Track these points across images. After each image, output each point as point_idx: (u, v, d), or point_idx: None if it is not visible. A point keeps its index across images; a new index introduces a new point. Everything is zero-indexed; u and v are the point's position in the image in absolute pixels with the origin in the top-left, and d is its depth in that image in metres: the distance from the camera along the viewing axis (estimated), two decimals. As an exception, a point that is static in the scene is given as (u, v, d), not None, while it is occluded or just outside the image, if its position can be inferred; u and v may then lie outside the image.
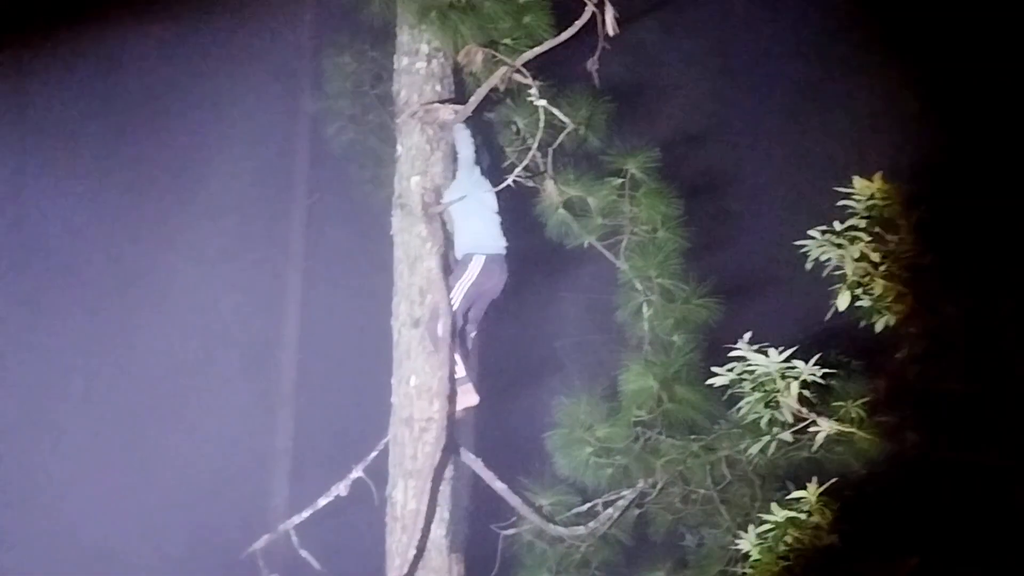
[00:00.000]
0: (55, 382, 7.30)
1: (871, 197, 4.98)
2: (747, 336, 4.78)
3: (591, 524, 5.66)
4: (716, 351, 5.13)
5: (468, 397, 5.52)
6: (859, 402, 4.88)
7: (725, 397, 4.97)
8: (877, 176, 4.94)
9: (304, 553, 5.73)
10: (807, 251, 4.96)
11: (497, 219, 5.59)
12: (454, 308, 5.48)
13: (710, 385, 4.94)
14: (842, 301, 4.86)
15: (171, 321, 7.52)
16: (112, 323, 7.40)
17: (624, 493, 5.64)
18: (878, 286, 4.87)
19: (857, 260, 4.88)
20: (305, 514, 5.77)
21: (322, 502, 5.74)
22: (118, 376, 7.36)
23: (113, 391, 7.35)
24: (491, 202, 5.58)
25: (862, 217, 4.94)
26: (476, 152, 5.61)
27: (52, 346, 7.32)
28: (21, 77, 7.15)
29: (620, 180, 5.83)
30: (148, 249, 7.56)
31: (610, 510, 5.65)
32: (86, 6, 6.89)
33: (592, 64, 5.47)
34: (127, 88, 7.55)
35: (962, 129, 5.60)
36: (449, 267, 5.61)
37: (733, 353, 4.80)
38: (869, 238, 4.90)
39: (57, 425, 7.28)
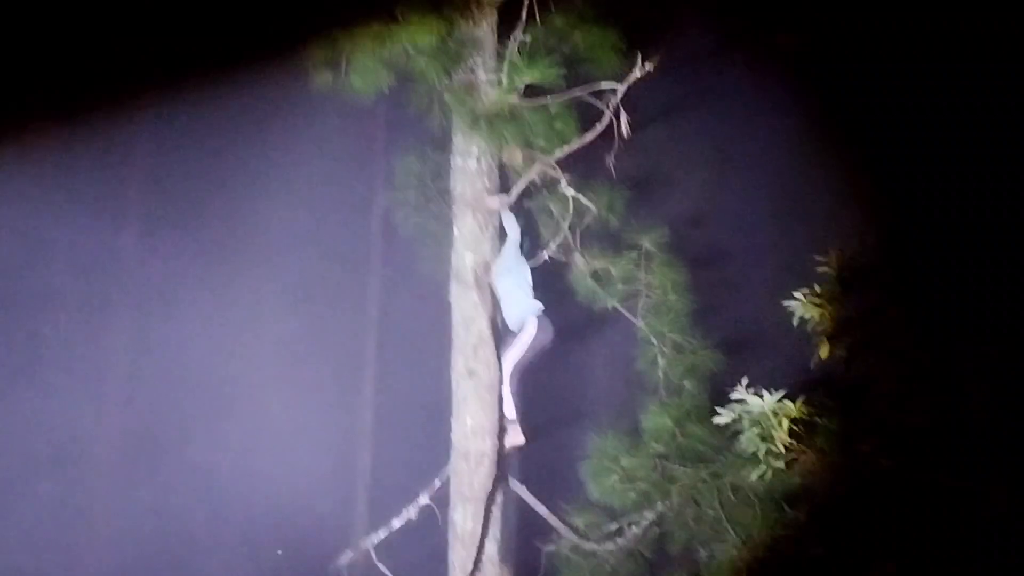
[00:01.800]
0: (158, 403, 7.18)
1: (844, 265, 5.06)
2: (744, 381, 4.81)
3: (619, 540, 5.63)
4: (719, 394, 5.15)
5: (516, 437, 5.57)
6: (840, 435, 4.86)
7: (729, 434, 5.01)
8: (849, 248, 5.03)
9: (381, 567, 5.71)
10: (793, 311, 5.04)
11: (531, 289, 5.67)
12: (514, 364, 5.55)
13: (715, 423, 4.98)
14: (823, 351, 4.91)
15: (263, 360, 7.37)
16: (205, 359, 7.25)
17: (646, 514, 5.60)
18: (851, 338, 4.92)
19: (833, 318, 4.94)
20: (382, 533, 5.77)
21: (396, 523, 5.74)
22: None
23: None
24: (528, 275, 5.70)
25: (836, 282, 5.01)
26: (520, 234, 5.72)
27: (154, 368, 7.21)
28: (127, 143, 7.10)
29: (636, 253, 5.88)
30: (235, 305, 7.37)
31: (634, 528, 5.62)
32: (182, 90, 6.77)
33: (610, 160, 5.55)
34: (219, 167, 7.39)
35: (920, 203, 5.64)
36: (498, 328, 5.68)
37: (733, 396, 4.84)
38: (843, 298, 4.96)
39: (149, 440, 7.16)
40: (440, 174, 6.29)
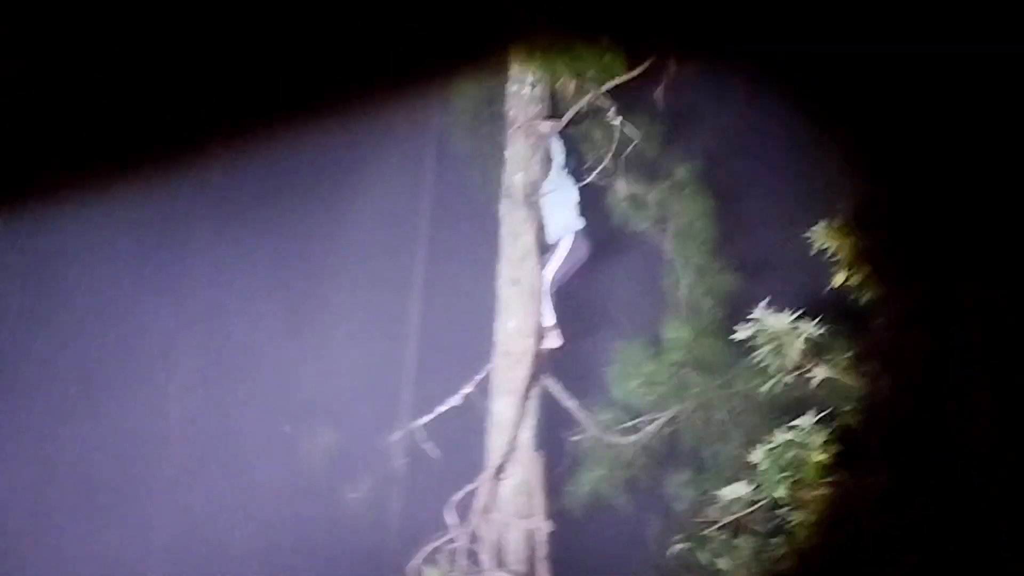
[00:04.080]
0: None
1: (863, 202, 4.94)
2: (764, 302, 4.76)
3: (636, 436, 5.65)
4: (736, 313, 5.09)
5: (553, 340, 5.55)
6: (847, 355, 4.81)
7: (743, 348, 4.96)
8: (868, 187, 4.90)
9: (426, 445, 5.75)
10: (811, 240, 4.93)
11: (577, 208, 5.60)
12: (552, 276, 5.50)
13: (731, 338, 4.92)
14: (838, 279, 4.82)
15: (328, 273, 7.32)
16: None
17: (662, 415, 5.61)
18: (864, 269, 4.82)
19: (849, 248, 4.84)
20: (428, 417, 5.78)
21: (441, 409, 5.76)
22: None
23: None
24: (575, 195, 5.60)
25: (854, 216, 4.89)
26: (565, 157, 5.62)
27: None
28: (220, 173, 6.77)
29: (670, 182, 5.81)
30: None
31: (650, 426, 5.63)
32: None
33: (657, 94, 5.44)
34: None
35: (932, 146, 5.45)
36: (542, 242, 5.61)
37: (752, 315, 4.78)
38: (859, 232, 4.85)
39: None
40: (492, 100, 6.18)
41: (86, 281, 6.38)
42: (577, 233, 5.55)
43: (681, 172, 5.79)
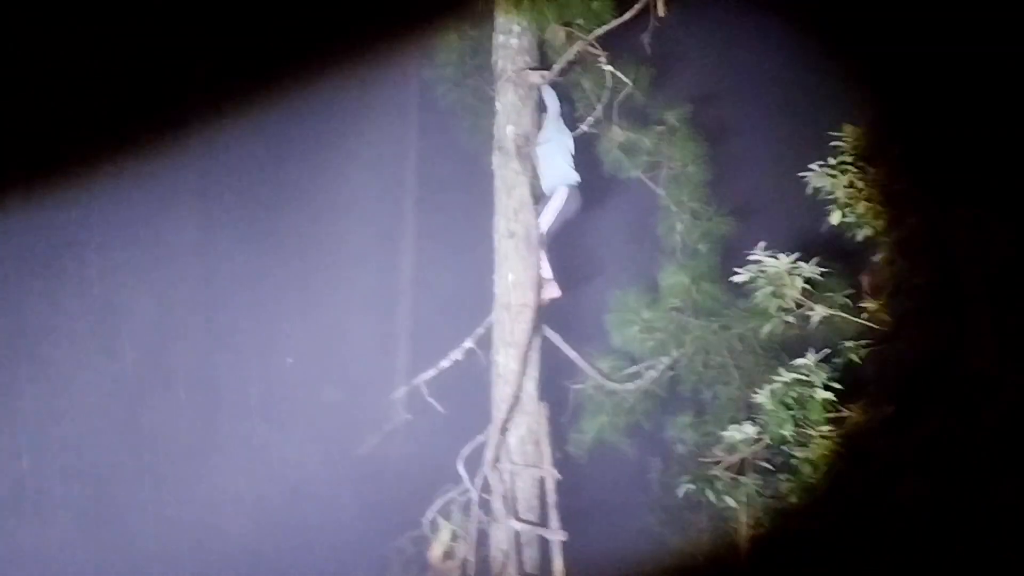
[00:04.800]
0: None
1: (857, 139, 4.97)
2: (761, 244, 4.81)
3: (637, 382, 5.72)
4: (732, 256, 5.15)
5: (552, 291, 5.58)
6: (846, 292, 4.89)
7: (739, 291, 5.02)
8: (862, 124, 4.94)
9: (431, 400, 5.79)
10: (807, 180, 4.98)
11: (572, 158, 5.59)
12: (548, 227, 5.50)
13: (727, 281, 4.98)
14: (834, 218, 4.87)
15: (320, 244, 7.35)
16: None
17: (662, 360, 5.67)
18: (861, 206, 4.87)
19: (845, 187, 4.89)
20: (431, 372, 5.84)
21: (444, 364, 5.81)
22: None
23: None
24: (570, 145, 5.59)
25: (849, 155, 4.93)
26: (556, 106, 5.59)
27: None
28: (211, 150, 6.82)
29: (661, 127, 5.79)
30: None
31: (651, 372, 5.70)
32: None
33: (645, 38, 5.41)
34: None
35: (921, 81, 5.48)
36: (535, 194, 5.61)
37: (751, 257, 4.83)
38: (855, 170, 4.89)
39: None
40: (477, 51, 6.11)
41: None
42: (571, 183, 5.54)
43: (672, 117, 5.77)
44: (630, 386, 5.72)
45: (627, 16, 5.25)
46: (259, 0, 6.73)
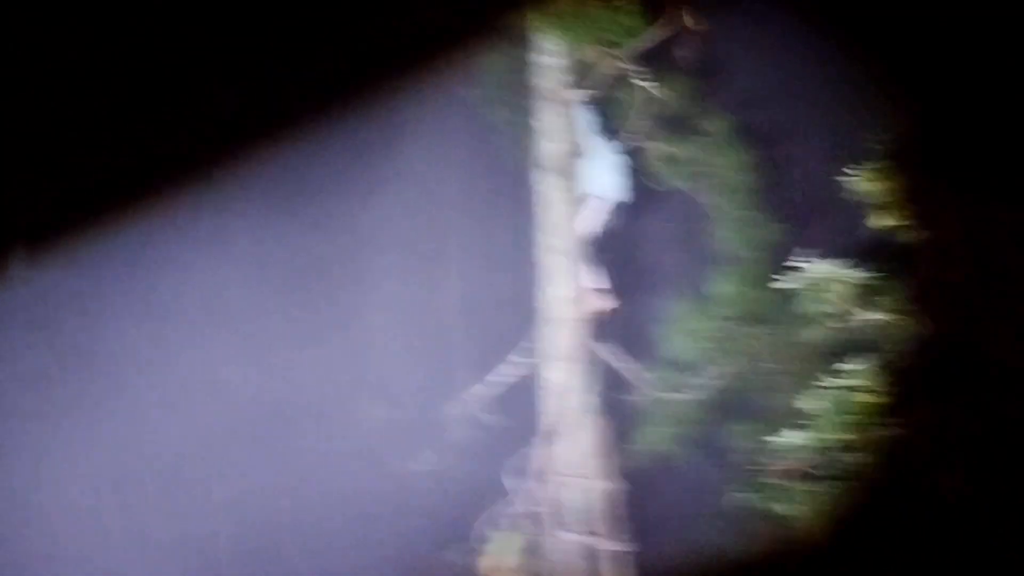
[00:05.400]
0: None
1: (896, 141, 4.97)
2: (806, 250, 4.84)
3: (689, 392, 5.72)
4: (778, 262, 5.17)
5: (607, 302, 5.66)
6: (891, 296, 4.87)
7: (786, 297, 5.04)
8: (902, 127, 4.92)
9: (483, 415, 5.89)
10: (849, 185, 4.98)
11: (613, 173, 5.68)
12: (593, 239, 5.60)
13: (775, 288, 5.01)
14: (877, 222, 4.87)
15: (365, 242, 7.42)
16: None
17: (713, 369, 5.68)
18: (904, 209, 4.87)
19: (884, 190, 4.88)
20: (481, 387, 5.94)
21: (492, 378, 5.90)
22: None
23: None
24: (610, 160, 5.69)
25: (891, 158, 4.93)
26: (596, 123, 5.69)
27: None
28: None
29: (703, 138, 5.82)
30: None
31: (702, 381, 5.70)
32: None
33: (680, 53, 5.46)
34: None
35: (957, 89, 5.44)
36: (579, 208, 5.70)
37: (794, 263, 4.86)
38: (895, 173, 4.89)
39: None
40: (519, 69, 6.22)
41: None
42: (615, 197, 5.63)
43: (713, 126, 5.80)
44: (681, 396, 5.73)
45: (656, 31, 5.30)
46: (305, 24, 6.98)
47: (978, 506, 4.23)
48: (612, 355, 5.83)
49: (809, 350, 5.36)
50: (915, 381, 4.70)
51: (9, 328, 6.55)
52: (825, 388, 4.72)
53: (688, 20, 5.31)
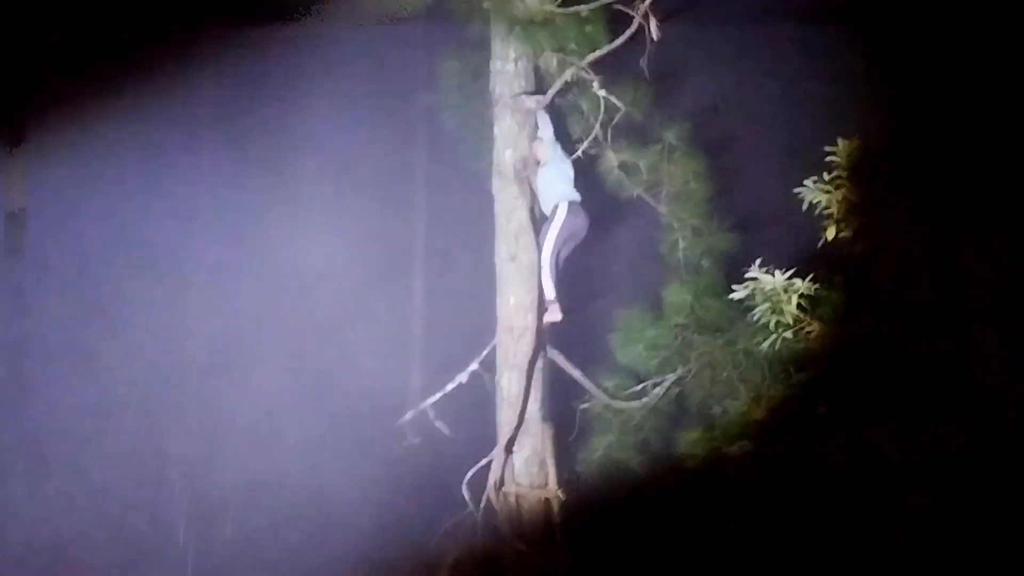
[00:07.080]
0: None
1: (851, 153, 5.04)
2: (757, 262, 4.90)
3: (643, 400, 5.76)
4: (734, 272, 5.22)
5: (554, 315, 5.66)
6: (843, 308, 4.94)
7: (742, 307, 5.09)
8: (855, 139, 5.01)
9: (438, 424, 5.87)
10: (802, 196, 5.05)
11: (571, 180, 5.70)
12: (550, 249, 5.59)
13: (731, 298, 5.06)
14: (830, 233, 4.95)
15: (322, 250, 7.49)
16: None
17: (667, 377, 5.72)
18: (856, 221, 4.94)
19: (839, 201, 4.95)
20: (437, 396, 5.90)
21: (449, 387, 5.88)
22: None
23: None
24: (568, 167, 5.70)
25: (844, 169, 5.00)
26: (554, 130, 5.71)
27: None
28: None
29: (660, 146, 5.86)
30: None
31: (657, 389, 5.75)
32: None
33: (643, 62, 5.49)
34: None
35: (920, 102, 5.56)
36: (535, 218, 5.72)
37: (748, 274, 4.92)
38: (850, 184, 4.96)
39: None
40: (479, 75, 6.22)
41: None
42: (572, 205, 5.64)
43: (670, 135, 5.84)
44: (636, 404, 5.76)
45: (618, 42, 5.38)
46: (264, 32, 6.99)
47: (943, 519, 4.31)
48: (566, 363, 5.85)
49: (765, 359, 5.40)
50: (870, 393, 4.76)
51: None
52: (777, 397, 4.75)
53: (654, 33, 5.33)
